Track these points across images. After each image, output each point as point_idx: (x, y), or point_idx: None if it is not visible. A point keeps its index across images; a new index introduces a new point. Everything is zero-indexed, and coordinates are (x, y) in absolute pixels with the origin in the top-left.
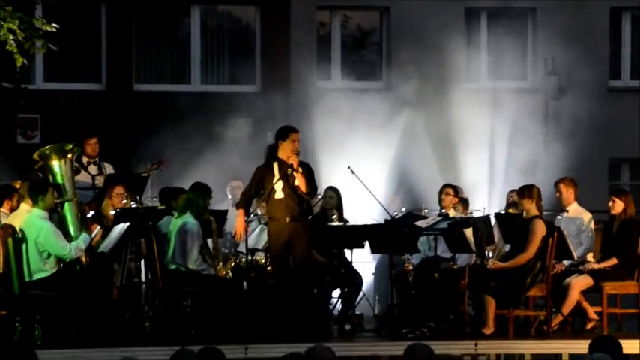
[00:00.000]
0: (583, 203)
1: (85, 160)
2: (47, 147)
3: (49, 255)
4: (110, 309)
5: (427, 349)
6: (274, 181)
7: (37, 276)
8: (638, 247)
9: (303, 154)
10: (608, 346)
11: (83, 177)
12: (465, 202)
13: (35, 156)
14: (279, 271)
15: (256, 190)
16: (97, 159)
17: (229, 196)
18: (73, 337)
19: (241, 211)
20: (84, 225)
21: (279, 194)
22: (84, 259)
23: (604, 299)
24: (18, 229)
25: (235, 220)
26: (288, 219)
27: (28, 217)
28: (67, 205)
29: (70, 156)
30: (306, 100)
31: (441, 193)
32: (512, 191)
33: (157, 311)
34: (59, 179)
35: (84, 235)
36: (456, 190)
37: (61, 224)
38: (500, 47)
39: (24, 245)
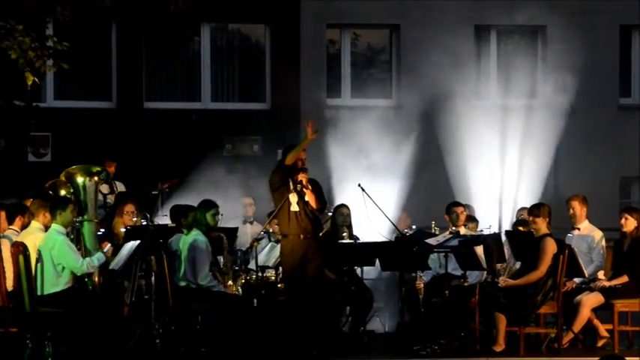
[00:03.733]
0: (593, 221)
1: None
2: (74, 166)
3: (63, 269)
4: (121, 326)
5: None
6: (290, 190)
7: (50, 290)
8: None
9: (312, 173)
10: None
11: None
12: (472, 220)
13: (61, 176)
14: (292, 288)
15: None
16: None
17: (240, 213)
18: (84, 354)
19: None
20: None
21: (294, 207)
22: (96, 279)
23: (615, 317)
24: (30, 247)
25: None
26: (302, 236)
27: (47, 232)
28: (86, 225)
29: (96, 178)
30: (316, 117)
31: (449, 212)
32: (522, 209)
33: (168, 328)
34: (82, 196)
35: (99, 254)
36: (464, 206)
37: (78, 242)
38: (511, 65)
39: (37, 262)
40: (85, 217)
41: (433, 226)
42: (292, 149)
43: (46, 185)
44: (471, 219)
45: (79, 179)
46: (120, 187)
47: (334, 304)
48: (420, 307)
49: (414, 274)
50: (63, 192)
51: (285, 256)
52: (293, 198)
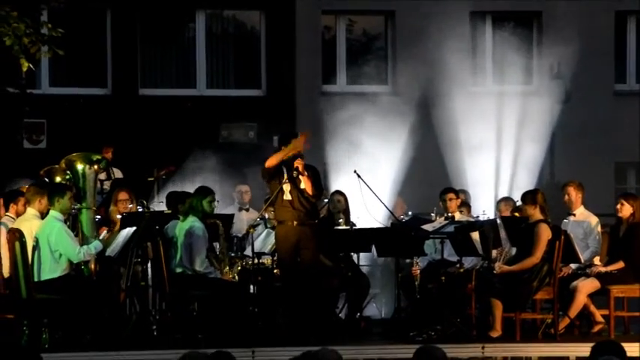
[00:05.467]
0: (589, 207)
1: None
2: (75, 154)
3: (61, 255)
4: (117, 313)
5: (440, 352)
6: (283, 182)
7: (47, 276)
8: None
9: (308, 159)
10: (612, 351)
11: None
12: (464, 205)
13: (62, 163)
14: (286, 275)
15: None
16: None
17: (235, 200)
18: (80, 340)
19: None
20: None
21: (287, 195)
22: (92, 267)
23: (611, 302)
24: (26, 233)
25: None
26: (295, 222)
27: (45, 218)
28: (84, 212)
29: (95, 167)
30: (312, 104)
31: (442, 199)
32: (502, 199)
33: (164, 315)
34: (81, 184)
35: (96, 242)
36: (456, 193)
37: (75, 229)
38: (506, 51)
39: (34, 248)
40: (84, 204)
41: (435, 212)
42: (286, 137)
43: (41, 172)
44: (463, 204)
45: (79, 166)
46: (117, 173)
47: (330, 290)
48: (416, 293)
49: (409, 260)
50: (58, 178)
51: (279, 243)
52: (286, 187)
